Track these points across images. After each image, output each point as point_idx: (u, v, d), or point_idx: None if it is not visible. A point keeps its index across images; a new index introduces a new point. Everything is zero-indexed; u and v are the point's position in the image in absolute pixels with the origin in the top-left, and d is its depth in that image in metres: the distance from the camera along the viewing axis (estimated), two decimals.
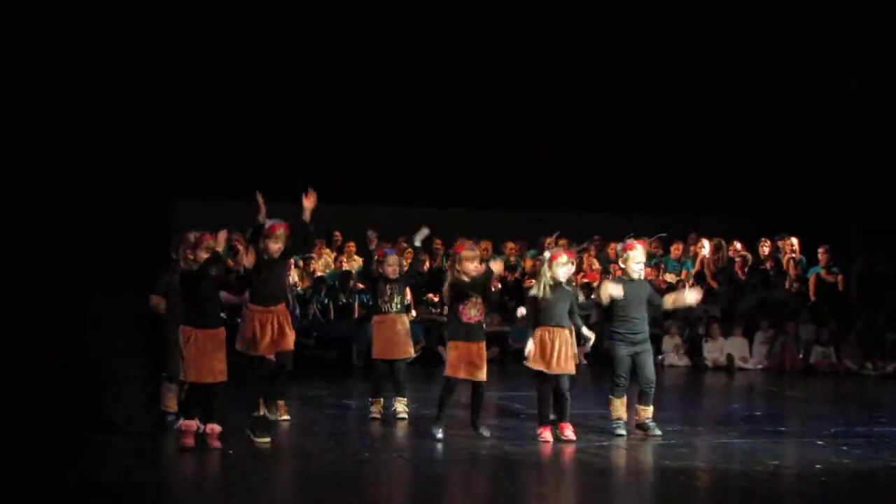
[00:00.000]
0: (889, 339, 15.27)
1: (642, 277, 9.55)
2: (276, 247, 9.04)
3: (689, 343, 15.60)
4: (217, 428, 8.45)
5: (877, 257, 16.35)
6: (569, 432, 9.05)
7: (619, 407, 9.39)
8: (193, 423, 8.43)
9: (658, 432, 9.34)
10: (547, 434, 8.98)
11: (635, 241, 9.51)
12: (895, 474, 8.09)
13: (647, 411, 9.42)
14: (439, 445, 8.76)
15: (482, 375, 9.05)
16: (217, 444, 8.41)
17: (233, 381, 8.81)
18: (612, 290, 9.25)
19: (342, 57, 18.27)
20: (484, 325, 9.17)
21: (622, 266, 9.61)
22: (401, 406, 10.13)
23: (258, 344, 9.03)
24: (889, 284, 16.14)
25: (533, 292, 9.17)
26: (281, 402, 9.69)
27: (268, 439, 8.67)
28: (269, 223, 9.04)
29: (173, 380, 9.15)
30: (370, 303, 10.42)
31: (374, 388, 10.16)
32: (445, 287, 9.34)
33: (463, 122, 18.38)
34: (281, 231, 9.08)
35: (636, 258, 9.42)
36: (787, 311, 15.97)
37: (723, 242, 17.01)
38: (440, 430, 8.98)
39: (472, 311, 9.04)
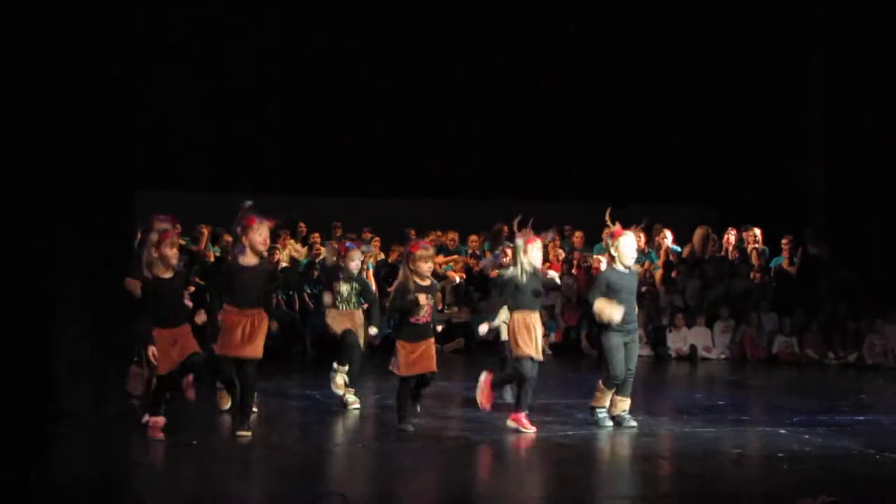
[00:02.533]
0: (850, 329, 15.38)
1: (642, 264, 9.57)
2: (260, 238, 8.53)
3: (653, 333, 15.66)
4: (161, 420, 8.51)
5: (812, 240, 16.43)
6: (525, 422, 9.04)
7: (606, 397, 9.32)
8: (161, 420, 8.46)
9: (633, 424, 9.32)
10: (525, 421, 8.97)
11: (623, 229, 9.43)
12: (856, 461, 8.16)
13: (625, 403, 9.34)
14: (407, 435, 8.74)
15: (433, 366, 8.99)
16: (160, 435, 8.42)
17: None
18: (611, 313, 9.02)
19: (312, 48, 18.20)
20: (433, 324, 9.08)
21: (614, 254, 9.31)
22: (351, 397, 10.11)
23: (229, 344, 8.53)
24: (825, 266, 16.29)
25: (510, 273, 9.15)
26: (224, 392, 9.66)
27: (248, 433, 8.57)
28: (246, 215, 8.54)
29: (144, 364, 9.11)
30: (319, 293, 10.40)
31: (340, 356, 10.07)
32: (393, 286, 9.24)
33: (431, 110, 18.34)
34: (265, 224, 8.57)
35: (627, 244, 9.29)
36: (751, 302, 16.05)
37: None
38: (410, 426, 8.92)
39: (421, 313, 8.93)
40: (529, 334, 9.00)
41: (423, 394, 9.19)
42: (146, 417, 8.52)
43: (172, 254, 8.43)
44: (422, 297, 8.86)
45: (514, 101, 18.61)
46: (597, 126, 18.86)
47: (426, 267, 8.99)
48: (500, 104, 18.62)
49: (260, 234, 8.51)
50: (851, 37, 17.26)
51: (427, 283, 9.01)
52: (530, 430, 8.91)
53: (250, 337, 8.44)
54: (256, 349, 8.48)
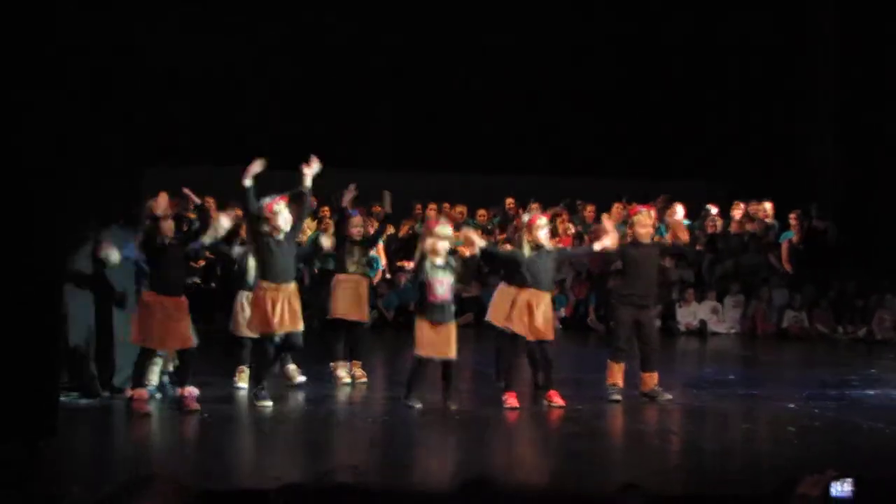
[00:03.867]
0: (860, 304, 15.36)
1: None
2: (282, 219, 8.77)
3: (663, 307, 15.64)
4: (194, 391, 8.52)
5: (817, 215, 16.37)
6: (558, 399, 9.05)
7: (617, 373, 9.36)
8: (145, 392, 8.49)
9: (668, 396, 9.38)
10: (513, 400, 8.95)
11: (639, 206, 9.59)
12: (866, 436, 8.16)
13: (654, 378, 9.42)
14: (416, 409, 8.72)
15: (452, 353, 8.84)
16: (195, 406, 8.47)
17: (214, 351, 8.86)
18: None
19: (326, 18, 18.12)
20: (452, 304, 8.97)
21: (630, 231, 9.67)
22: (358, 370, 10.13)
23: (270, 322, 8.73)
24: (825, 241, 16.26)
25: (520, 250, 9.13)
26: (293, 366, 9.73)
27: (269, 403, 8.72)
28: (264, 202, 8.79)
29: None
30: (333, 267, 10.48)
31: (334, 351, 10.19)
32: (416, 258, 9.15)
33: (441, 84, 18.26)
34: (281, 205, 8.83)
35: (643, 222, 9.48)
36: (760, 276, 16.02)
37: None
38: (417, 402, 8.79)
39: (441, 290, 8.84)
40: (528, 312, 8.97)
41: (451, 383, 8.92)
42: (128, 391, 8.51)
43: (167, 226, 8.57)
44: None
45: (524, 74, 18.55)
46: (602, 116, 18.78)
47: (441, 246, 8.94)
48: (512, 80, 18.57)
49: (282, 215, 8.78)
50: (861, 33, 17.16)
51: (443, 262, 8.93)
52: (516, 407, 8.89)
53: (287, 311, 8.74)
54: (298, 322, 8.83)
